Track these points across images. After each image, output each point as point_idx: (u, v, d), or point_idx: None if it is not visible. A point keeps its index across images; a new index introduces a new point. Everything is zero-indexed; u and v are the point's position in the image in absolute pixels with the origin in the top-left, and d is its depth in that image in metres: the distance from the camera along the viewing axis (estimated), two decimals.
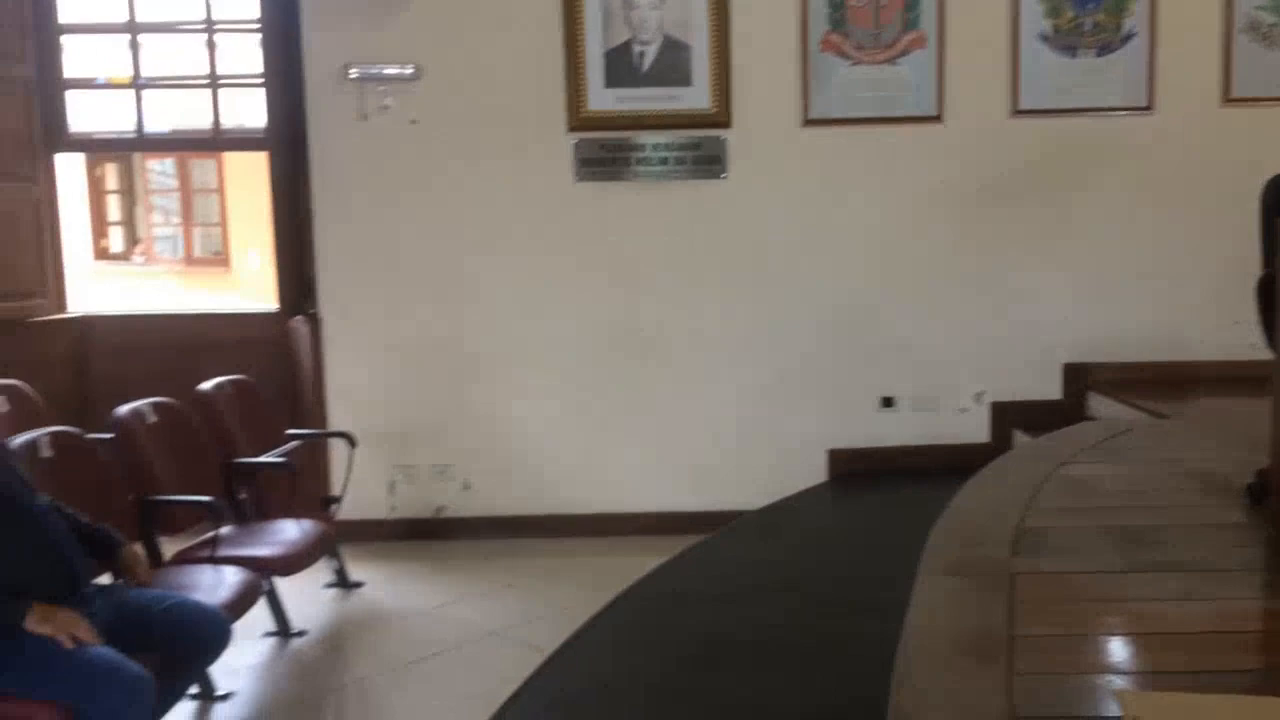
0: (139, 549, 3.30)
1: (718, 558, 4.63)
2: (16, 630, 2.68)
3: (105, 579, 3.21)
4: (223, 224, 12.21)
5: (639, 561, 4.50)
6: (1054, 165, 5.30)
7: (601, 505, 5.42)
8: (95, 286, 9.67)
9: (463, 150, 5.24)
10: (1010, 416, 5.42)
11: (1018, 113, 5.27)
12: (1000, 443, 5.35)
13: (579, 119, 5.21)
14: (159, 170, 13.21)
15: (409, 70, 5.11)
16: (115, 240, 13.19)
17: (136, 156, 12.58)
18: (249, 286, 11.73)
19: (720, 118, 5.23)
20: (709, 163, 5.26)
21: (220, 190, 12.09)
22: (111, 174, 12.92)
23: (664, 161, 5.26)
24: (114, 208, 13.19)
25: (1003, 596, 2.15)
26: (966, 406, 5.45)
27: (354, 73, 5.06)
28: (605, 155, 5.26)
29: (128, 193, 13.22)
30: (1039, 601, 2.16)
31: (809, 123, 5.26)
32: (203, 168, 12.31)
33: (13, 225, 5.30)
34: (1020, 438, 5.30)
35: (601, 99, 5.21)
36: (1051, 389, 5.41)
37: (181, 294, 11.98)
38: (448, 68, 5.19)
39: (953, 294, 5.40)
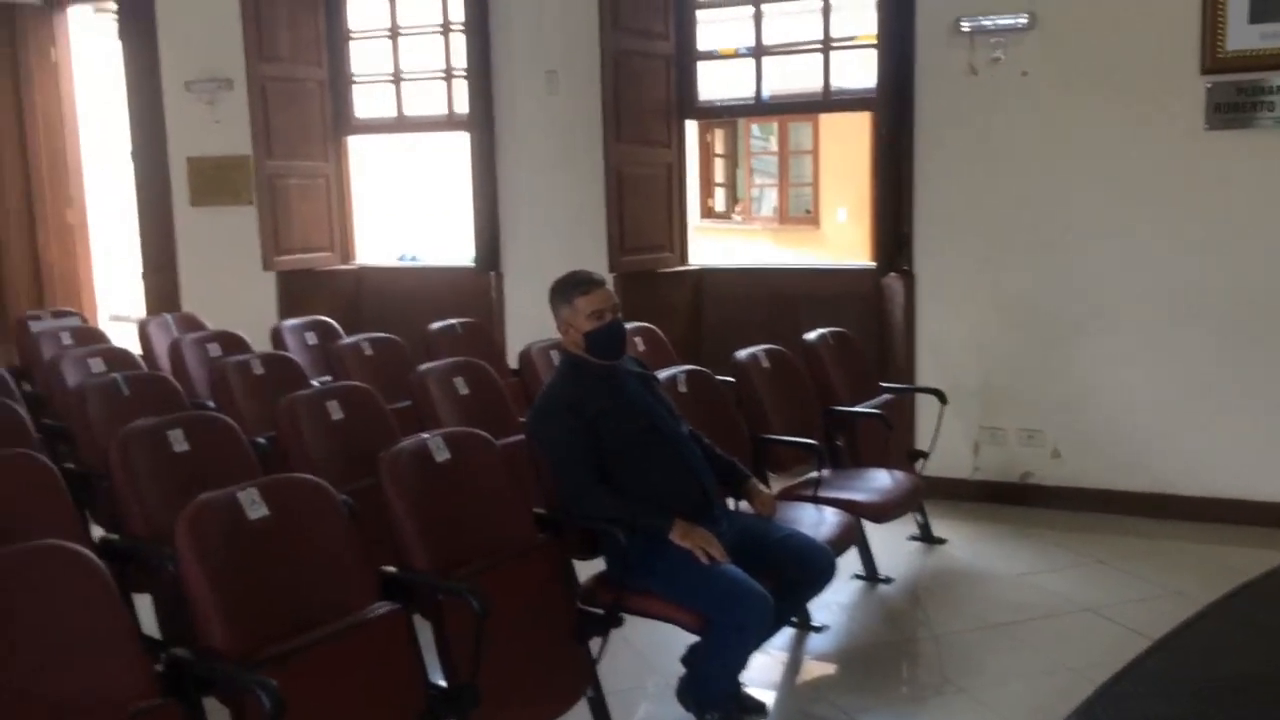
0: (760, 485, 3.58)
1: None
2: (663, 540, 3.07)
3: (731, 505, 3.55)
4: (815, 184, 12.80)
5: (1262, 554, 4.04)
6: None
7: (1213, 488, 4.92)
8: (699, 242, 10.62)
9: (1074, 101, 4.98)
10: None
11: None
12: None
13: (1214, 60, 4.70)
14: (757, 134, 14.16)
15: (1022, 20, 4.94)
16: (719, 200, 14.39)
17: (741, 122, 13.58)
18: (836, 244, 12.22)
19: None
20: None
21: (815, 151, 12.67)
22: (719, 139, 14.09)
23: None
24: (719, 170, 14.38)
25: None
26: None
27: (965, 25, 5.01)
28: (1243, 100, 4.70)
29: (731, 156, 14.34)
30: None
31: None
32: (798, 131, 12.97)
33: (650, 186, 5.99)
34: None
35: (1244, 36, 4.64)
36: None
37: (772, 251, 12.78)
38: (1064, 14, 4.94)
39: None
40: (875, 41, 5.29)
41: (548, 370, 4.65)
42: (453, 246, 8.35)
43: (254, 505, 2.49)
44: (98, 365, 4.70)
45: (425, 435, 3.03)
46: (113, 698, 2.11)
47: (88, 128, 7.98)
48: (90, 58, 8.06)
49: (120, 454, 3.11)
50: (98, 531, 3.29)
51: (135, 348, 5.47)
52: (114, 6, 7.50)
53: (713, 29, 6.31)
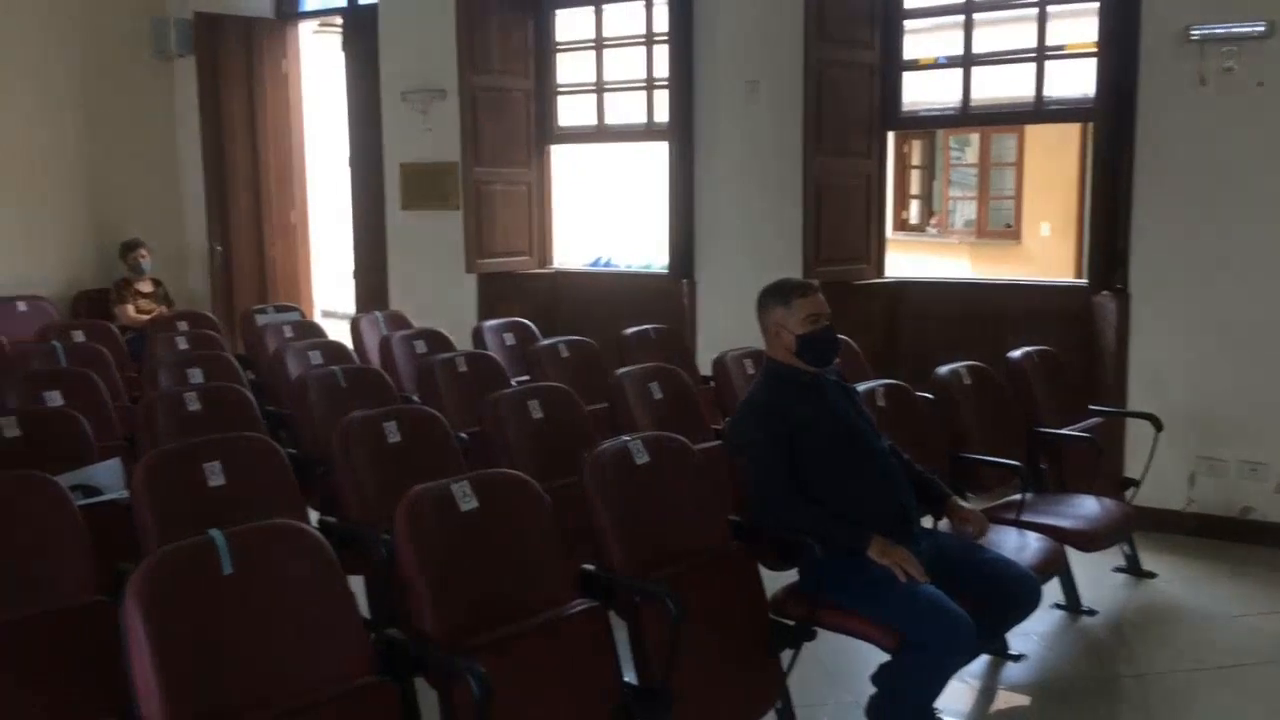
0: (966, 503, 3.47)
1: None
2: (860, 555, 3.02)
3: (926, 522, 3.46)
4: (1017, 197, 12.33)
5: None
6: None
7: None
8: (892, 255, 10.40)
9: None
10: None
11: None
12: None
13: None
14: (953, 146, 13.77)
15: (1260, 27, 4.64)
16: (913, 212, 14.06)
17: (940, 133, 13.23)
18: (1038, 260, 11.74)
19: None
20: None
21: (1018, 164, 12.22)
22: (916, 150, 13.76)
23: None
24: (915, 182, 14.05)
25: None
26: None
27: (1195, 33, 4.74)
28: None
29: (928, 168, 13.99)
30: None
31: None
32: (1000, 142, 12.53)
33: (848, 197, 5.91)
34: None
35: None
36: None
37: (969, 266, 12.37)
38: None
39: None
40: (1094, 50, 5.06)
41: (741, 379, 4.65)
42: (646, 252, 8.46)
43: (465, 497, 2.59)
44: (317, 358, 4.99)
45: (626, 438, 3.08)
46: (336, 672, 2.23)
47: (310, 134, 8.48)
48: (314, 68, 8.56)
49: (342, 441, 3.29)
50: (312, 515, 3.48)
51: (346, 342, 5.78)
52: (339, 21, 7.96)
53: (917, 38, 6.17)
